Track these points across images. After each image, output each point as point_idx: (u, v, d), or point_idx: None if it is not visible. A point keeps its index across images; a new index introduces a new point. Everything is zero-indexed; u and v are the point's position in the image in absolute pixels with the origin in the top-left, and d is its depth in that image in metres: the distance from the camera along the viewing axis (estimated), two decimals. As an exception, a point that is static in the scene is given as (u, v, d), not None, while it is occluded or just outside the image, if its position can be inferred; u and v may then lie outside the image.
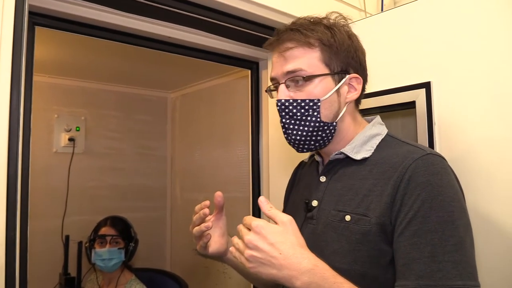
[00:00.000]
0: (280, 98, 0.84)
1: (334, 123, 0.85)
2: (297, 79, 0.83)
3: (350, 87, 0.87)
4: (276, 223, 0.73)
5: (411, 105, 1.15)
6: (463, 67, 1.06)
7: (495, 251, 0.97)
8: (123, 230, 1.91)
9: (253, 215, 1.62)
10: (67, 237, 2.19)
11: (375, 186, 0.78)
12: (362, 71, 0.88)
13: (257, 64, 1.73)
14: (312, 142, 0.85)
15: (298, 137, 0.84)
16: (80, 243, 2.03)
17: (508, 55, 0.99)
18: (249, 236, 0.71)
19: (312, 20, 0.86)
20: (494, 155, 0.99)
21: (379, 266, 0.75)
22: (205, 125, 2.84)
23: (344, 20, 0.89)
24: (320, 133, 0.84)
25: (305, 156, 1.05)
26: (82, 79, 2.72)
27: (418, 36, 1.16)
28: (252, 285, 1.59)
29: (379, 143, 0.85)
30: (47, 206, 2.47)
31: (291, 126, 0.84)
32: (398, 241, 0.72)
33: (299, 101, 0.83)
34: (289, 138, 0.86)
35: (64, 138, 2.62)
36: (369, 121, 0.91)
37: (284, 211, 1.05)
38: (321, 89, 0.82)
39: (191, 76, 2.77)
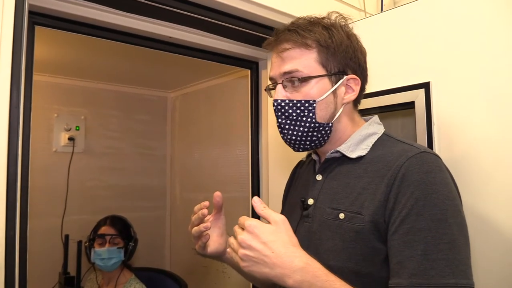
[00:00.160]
0: (277, 98, 0.85)
1: (330, 124, 0.85)
2: (293, 79, 0.83)
3: (347, 88, 0.87)
4: (269, 222, 0.73)
5: (411, 105, 1.15)
6: (463, 67, 1.06)
7: (494, 251, 0.97)
8: (122, 229, 1.91)
9: (252, 214, 1.63)
10: (67, 237, 2.19)
11: (369, 184, 0.78)
12: (361, 71, 0.88)
13: (256, 64, 1.74)
14: (308, 142, 0.86)
15: (293, 137, 0.85)
16: (79, 243, 2.03)
17: (507, 55, 0.99)
18: (242, 236, 0.72)
19: (311, 20, 0.86)
20: (493, 156, 0.99)
21: (373, 264, 0.75)
22: (205, 125, 2.84)
23: (344, 20, 0.89)
24: (315, 133, 0.85)
25: (304, 155, 1.06)
26: (82, 78, 2.72)
27: (417, 36, 1.17)
28: (251, 285, 1.60)
29: (375, 142, 0.85)
30: (46, 205, 2.48)
31: (287, 126, 0.85)
32: (392, 239, 0.72)
33: (295, 101, 0.83)
34: (285, 138, 0.87)
35: (64, 137, 2.62)
36: (367, 121, 0.92)
37: (283, 210, 1.06)
38: (318, 90, 0.83)
39: (191, 76, 2.77)
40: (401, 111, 1.25)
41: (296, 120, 0.84)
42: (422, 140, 1.11)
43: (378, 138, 0.86)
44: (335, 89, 0.84)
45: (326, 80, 0.84)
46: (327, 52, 0.83)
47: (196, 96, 2.95)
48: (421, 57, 1.15)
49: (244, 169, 2.38)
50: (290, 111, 0.83)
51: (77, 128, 2.68)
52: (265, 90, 0.94)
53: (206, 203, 0.90)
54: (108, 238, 1.84)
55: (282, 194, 1.11)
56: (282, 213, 1.03)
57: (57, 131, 2.61)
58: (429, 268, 0.67)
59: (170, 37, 1.39)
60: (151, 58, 2.24)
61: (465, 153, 1.04)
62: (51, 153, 2.59)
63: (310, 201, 0.88)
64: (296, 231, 0.86)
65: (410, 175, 0.73)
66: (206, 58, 1.59)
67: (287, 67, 0.83)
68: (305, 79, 0.83)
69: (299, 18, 0.88)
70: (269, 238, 0.70)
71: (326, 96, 0.83)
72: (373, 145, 0.84)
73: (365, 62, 0.90)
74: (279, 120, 0.85)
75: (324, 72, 0.84)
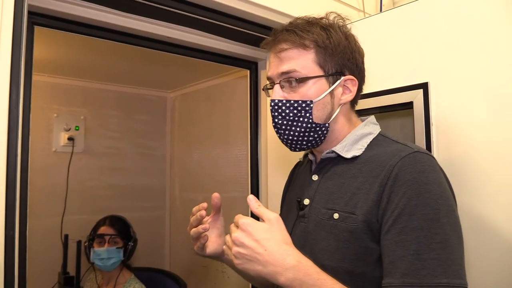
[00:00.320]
0: (274, 98, 0.85)
1: (327, 124, 0.85)
2: (291, 80, 0.83)
3: (344, 88, 0.87)
4: (263, 221, 0.74)
5: (409, 105, 1.15)
6: (461, 68, 1.06)
7: (492, 252, 0.97)
8: (121, 229, 1.91)
9: (251, 214, 1.63)
10: (66, 236, 2.19)
11: (363, 184, 0.78)
12: (358, 72, 0.88)
13: (256, 64, 1.74)
14: (304, 142, 0.86)
15: (290, 137, 0.86)
16: (79, 242, 2.03)
17: (506, 56, 0.99)
18: (236, 234, 0.73)
19: (309, 20, 0.86)
20: (491, 156, 1.00)
21: (367, 264, 0.75)
22: (204, 125, 2.84)
23: (342, 21, 0.89)
24: (312, 133, 0.85)
25: (301, 155, 1.06)
26: (81, 78, 2.73)
27: (416, 36, 1.17)
28: (250, 285, 1.60)
29: (371, 142, 0.85)
30: (46, 205, 2.48)
31: (283, 127, 0.85)
32: (385, 238, 0.72)
33: (292, 101, 0.83)
34: (281, 137, 0.88)
35: (63, 137, 2.62)
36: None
37: (281, 210, 1.06)
38: (315, 90, 0.83)
39: (191, 76, 2.77)
40: (401, 112, 1.25)
41: (293, 121, 0.84)
42: (420, 140, 1.11)
43: (374, 138, 0.86)
44: (332, 90, 0.85)
45: (323, 81, 0.84)
46: (325, 53, 0.83)
47: (196, 96, 2.95)
48: (420, 58, 1.15)
49: (243, 169, 2.38)
50: (287, 111, 0.84)
51: (77, 128, 2.68)
52: (263, 89, 0.95)
53: (204, 204, 0.91)
54: (107, 238, 1.84)
55: (281, 193, 1.11)
56: (280, 213, 1.03)
57: (56, 131, 2.61)
58: (421, 268, 0.67)
59: (168, 37, 1.39)
60: (150, 58, 2.24)
61: (463, 153, 1.04)
62: (50, 153, 2.59)
63: (306, 201, 0.88)
64: (292, 231, 0.86)
65: (403, 174, 0.73)
66: (205, 58, 1.60)
67: (285, 67, 0.83)
68: (302, 80, 0.83)
69: (297, 18, 0.88)
70: (262, 236, 0.71)
71: (323, 97, 0.84)
72: (368, 145, 0.85)
73: (362, 62, 0.90)
74: (275, 120, 0.86)
75: (321, 73, 0.84)
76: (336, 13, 0.89)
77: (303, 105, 0.83)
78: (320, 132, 0.85)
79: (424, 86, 1.12)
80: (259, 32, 1.39)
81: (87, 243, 1.86)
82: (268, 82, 0.91)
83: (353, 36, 0.89)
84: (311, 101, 0.83)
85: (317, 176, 0.89)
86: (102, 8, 1.20)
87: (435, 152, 1.09)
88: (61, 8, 1.15)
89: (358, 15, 1.55)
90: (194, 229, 0.91)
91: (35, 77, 1.13)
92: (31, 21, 1.14)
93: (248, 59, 1.70)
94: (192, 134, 2.96)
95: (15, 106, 0.90)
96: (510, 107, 0.97)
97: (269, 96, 0.90)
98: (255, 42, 1.46)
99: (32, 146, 1.10)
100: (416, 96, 1.13)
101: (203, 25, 1.35)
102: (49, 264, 2.27)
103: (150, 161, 3.07)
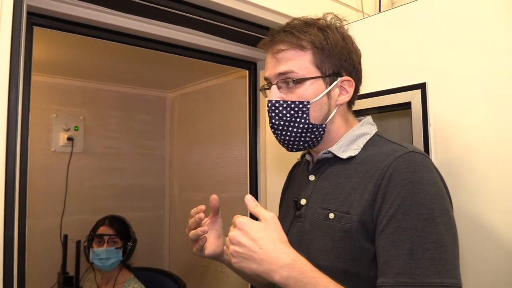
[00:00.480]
0: (271, 99, 0.85)
1: (324, 125, 0.86)
2: (288, 81, 0.84)
3: (341, 89, 0.87)
4: (260, 220, 0.75)
5: (407, 105, 1.16)
6: (459, 68, 1.07)
7: (489, 253, 0.98)
8: (121, 229, 1.91)
9: (250, 214, 1.63)
10: (66, 236, 2.19)
11: (358, 185, 0.79)
12: (355, 73, 0.88)
13: (255, 64, 1.74)
14: (301, 143, 0.87)
15: (287, 138, 0.86)
16: (78, 242, 2.04)
17: (504, 56, 0.99)
18: (233, 233, 0.74)
19: (306, 21, 0.86)
20: (489, 157, 1.00)
21: (361, 264, 0.76)
22: (203, 125, 2.85)
23: (339, 22, 0.89)
24: (309, 134, 0.85)
25: (299, 156, 1.06)
26: (80, 78, 2.73)
27: (415, 37, 1.17)
28: (249, 285, 1.60)
29: (366, 142, 0.85)
30: (45, 205, 2.48)
31: (280, 127, 0.86)
32: (379, 238, 0.73)
33: (289, 102, 0.84)
34: (278, 138, 0.88)
35: (62, 137, 2.62)
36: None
37: (280, 210, 1.07)
38: (312, 91, 0.83)
39: (190, 76, 2.77)
40: (399, 112, 1.25)
41: (290, 121, 0.84)
42: (418, 140, 1.11)
43: (370, 139, 0.86)
44: (329, 91, 0.85)
45: (320, 82, 0.84)
46: (322, 54, 0.84)
47: (195, 96, 2.95)
48: (418, 58, 1.15)
49: (243, 169, 2.38)
50: (284, 111, 0.84)
51: (76, 128, 2.68)
52: (260, 90, 0.95)
53: (203, 207, 0.91)
54: (106, 238, 1.85)
55: (279, 193, 1.11)
56: (279, 213, 1.03)
57: (56, 131, 2.61)
58: (415, 268, 0.67)
59: (167, 37, 1.39)
60: (149, 58, 2.24)
61: (461, 153, 1.05)
62: (50, 153, 2.59)
63: (303, 201, 0.89)
64: (289, 231, 0.87)
65: (397, 174, 0.73)
66: (204, 59, 1.60)
67: (282, 68, 0.84)
68: (299, 81, 0.83)
69: (295, 19, 0.88)
70: (258, 235, 0.72)
71: (320, 98, 0.84)
72: (364, 145, 0.85)
73: (359, 63, 0.90)
74: (272, 120, 0.86)
75: (318, 74, 0.84)
76: (333, 14, 0.89)
77: (300, 105, 0.83)
78: (317, 133, 0.86)
79: (422, 87, 1.12)
80: (257, 33, 1.39)
81: (86, 243, 1.87)
82: (265, 83, 0.91)
83: (350, 37, 0.89)
84: (308, 102, 0.83)
85: (313, 176, 0.90)
86: (101, 9, 1.20)
87: (433, 153, 1.09)
88: (60, 8, 1.15)
89: (356, 16, 1.55)
90: (192, 231, 0.92)
91: (34, 77, 1.13)
92: (30, 22, 1.14)
93: (247, 60, 1.70)
94: (192, 134, 2.96)
95: (14, 106, 0.90)
96: (508, 108, 0.98)
97: (266, 97, 0.90)
98: (253, 42, 1.46)
99: (31, 146, 1.10)
100: (414, 97, 1.13)
101: (202, 26, 1.36)
102: (49, 264, 2.27)
103: (149, 161, 3.07)
